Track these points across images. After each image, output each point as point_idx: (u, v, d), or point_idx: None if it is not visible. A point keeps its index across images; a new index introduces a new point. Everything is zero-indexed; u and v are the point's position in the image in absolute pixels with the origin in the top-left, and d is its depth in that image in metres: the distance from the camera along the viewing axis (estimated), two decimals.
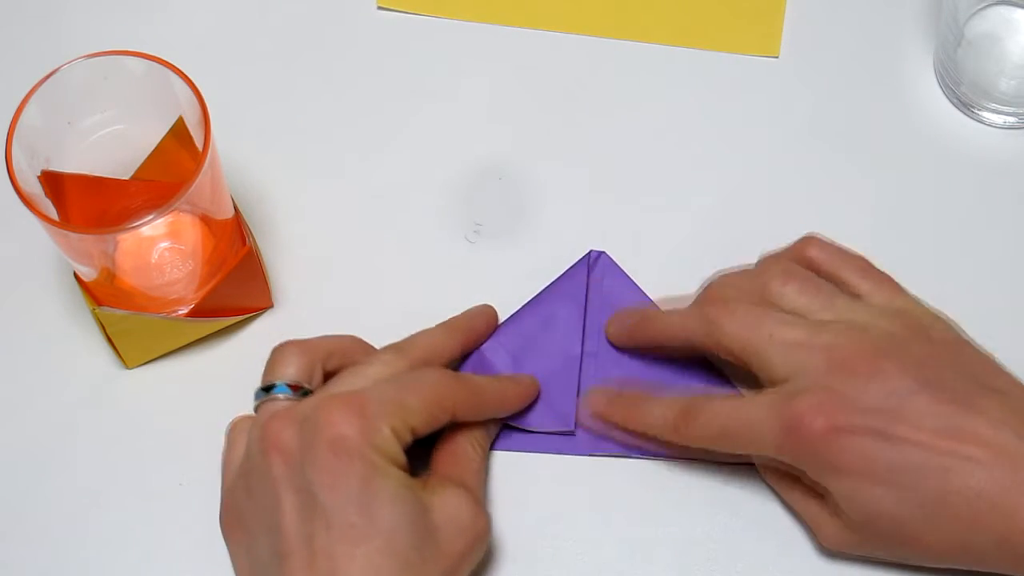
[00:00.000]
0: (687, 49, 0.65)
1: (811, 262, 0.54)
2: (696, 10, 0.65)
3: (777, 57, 0.64)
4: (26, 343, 0.58)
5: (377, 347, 0.54)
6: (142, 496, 0.55)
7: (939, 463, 0.48)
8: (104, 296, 0.55)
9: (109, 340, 0.56)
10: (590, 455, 0.55)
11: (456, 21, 0.65)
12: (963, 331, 0.53)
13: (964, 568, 0.50)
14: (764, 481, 0.54)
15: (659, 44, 0.65)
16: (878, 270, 0.54)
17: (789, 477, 0.52)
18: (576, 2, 0.66)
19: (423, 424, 0.49)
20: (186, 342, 0.58)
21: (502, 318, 0.57)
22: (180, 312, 0.55)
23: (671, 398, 0.53)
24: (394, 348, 0.53)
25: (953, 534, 0.48)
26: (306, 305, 0.59)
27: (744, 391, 0.55)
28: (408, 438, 0.48)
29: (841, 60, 0.64)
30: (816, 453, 0.49)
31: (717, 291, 0.55)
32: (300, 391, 0.50)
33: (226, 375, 0.57)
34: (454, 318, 0.56)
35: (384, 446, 0.47)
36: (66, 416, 0.57)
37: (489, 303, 0.57)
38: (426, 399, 0.49)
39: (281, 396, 0.50)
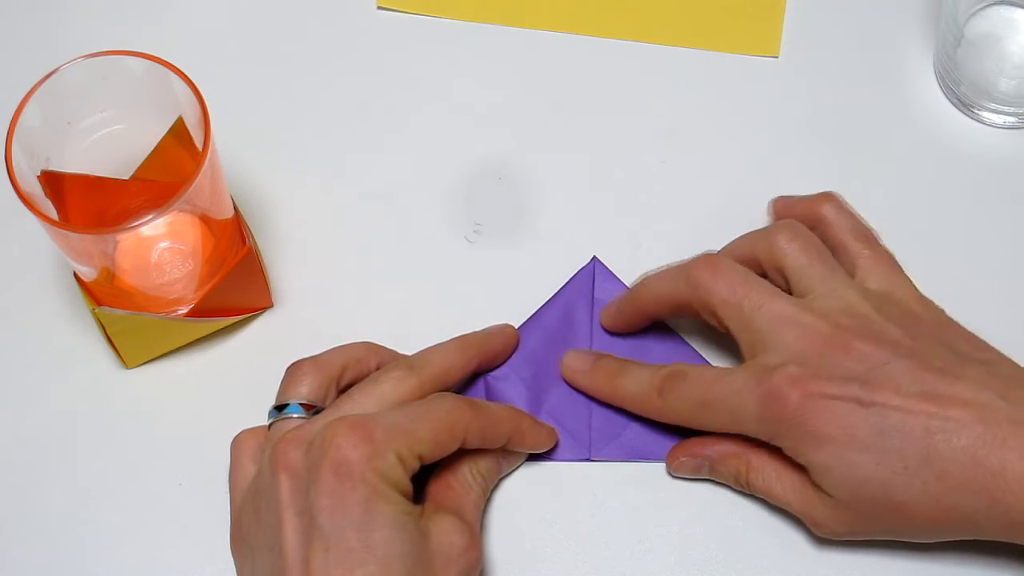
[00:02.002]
0: (687, 49, 0.65)
1: (821, 218, 0.55)
2: (696, 10, 0.65)
3: (777, 57, 0.64)
4: (26, 343, 0.58)
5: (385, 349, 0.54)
6: (142, 496, 0.55)
7: (920, 424, 0.48)
8: (104, 296, 0.55)
9: (109, 340, 0.56)
10: (590, 460, 0.55)
11: (456, 21, 0.65)
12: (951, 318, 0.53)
13: (961, 537, 0.49)
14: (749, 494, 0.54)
15: (659, 44, 0.65)
16: (882, 246, 0.55)
17: (771, 472, 0.52)
18: (576, 2, 0.66)
19: (431, 452, 0.49)
20: (186, 342, 0.58)
21: (503, 319, 0.57)
22: (180, 312, 0.55)
23: (656, 365, 0.54)
24: (405, 364, 0.52)
25: (941, 497, 0.48)
26: (306, 305, 0.59)
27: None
28: (415, 465, 0.48)
29: (841, 60, 0.64)
30: (793, 423, 0.49)
31: (725, 251, 0.56)
32: (313, 410, 0.50)
33: (226, 375, 0.57)
34: (470, 335, 0.55)
35: (388, 472, 0.47)
36: (66, 416, 0.57)
37: (500, 314, 0.57)
38: (436, 427, 0.49)
39: (294, 416, 0.50)
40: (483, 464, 0.52)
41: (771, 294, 0.52)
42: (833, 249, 0.55)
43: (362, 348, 0.53)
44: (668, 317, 0.56)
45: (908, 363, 0.49)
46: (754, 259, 0.54)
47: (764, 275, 0.54)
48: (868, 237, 0.55)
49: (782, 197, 0.58)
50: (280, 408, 0.51)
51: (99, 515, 0.55)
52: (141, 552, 0.54)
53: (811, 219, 0.56)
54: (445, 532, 0.48)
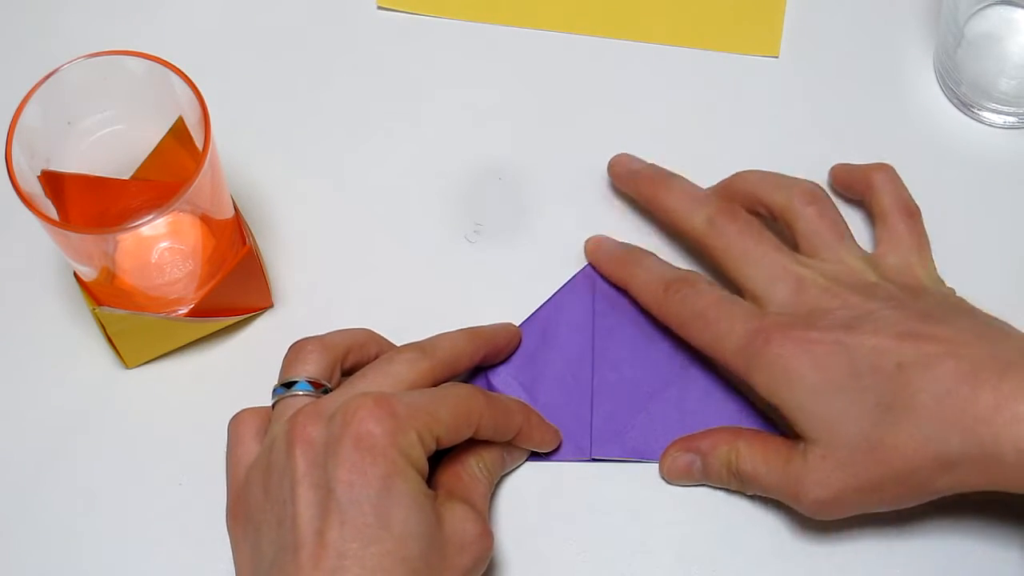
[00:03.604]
0: (687, 49, 0.65)
1: (872, 185, 0.57)
2: (696, 10, 0.65)
3: (777, 57, 0.64)
4: (26, 343, 0.58)
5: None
6: (142, 496, 0.55)
7: (892, 361, 0.48)
8: (104, 296, 0.55)
9: (109, 340, 0.56)
10: (592, 460, 0.55)
11: (456, 21, 0.65)
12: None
13: (942, 487, 0.49)
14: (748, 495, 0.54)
15: (659, 44, 0.65)
16: (921, 225, 0.56)
17: (758, 455, 0.52)
18: (576, 2, 0.66)
19: (448, 435, 0.49)
20: (186, 342, 0.58)
21: (503, 319, 0.57)
22: (180, 312, 0.55)
23: (673, 266, 0.56)
24: (417, 347, 0.52)
25: (915, 431, 0.48)
26: (306, 305, 0.59)
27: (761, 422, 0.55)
28: (432, 447, 0.48)
29: (841, 60, 0.64)
30: (769, 360, 0.50)
31: (744, 184, 0.57)
32: (321, 389, 0.50)
33: (226, 375, 0.57)
34: (477, 327, 0.55)
35: (409, 450, 0.47)
36: (66, 416, 0.57)
37: (500, 314, 0.57)
38: (455, 412, 0.49)
39: (301, 392, 0.50)
40: (488, 457, 0.52)
41: (776, 246, 0.53)
42: (874, 217, 0.57)
43: (364, 334, 0.53)
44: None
45: (893, 312, 0.50)
46: (766, 205, 0.56)
47: (773, 219, 0.56)
48: (911, 213, 0.56)
49: (841, 163, 0.60)
50: (288, 385, 0.50)
51: (99, 515, 0.55)
52: (141, 552, 0.54)
53: (862, 184, 0.58)
54: (459, 519, 0.48)
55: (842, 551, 0.53)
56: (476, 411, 0.50)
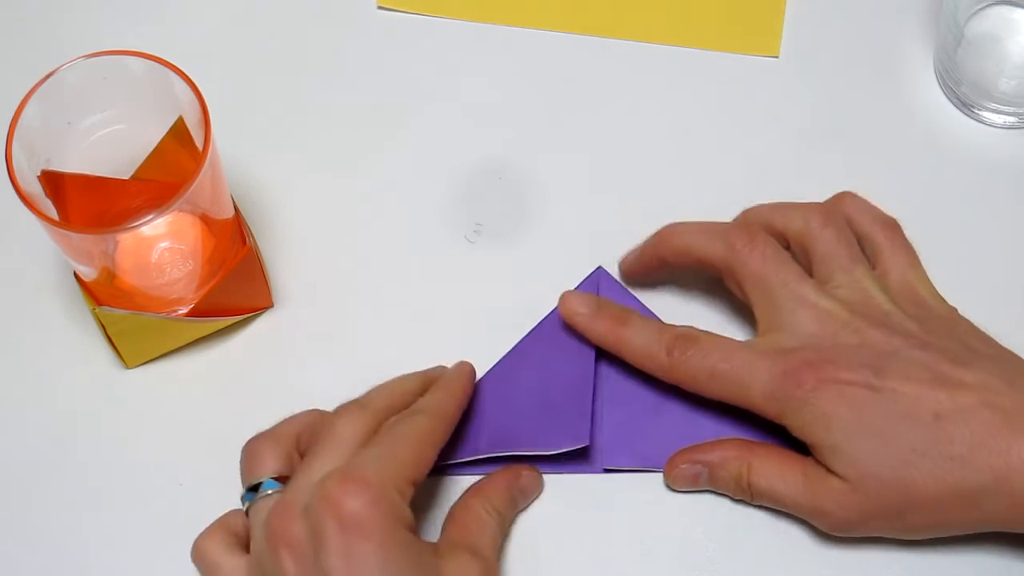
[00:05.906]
0: (687, 49, 0.65)
1: (846, 214, 0.56)
2: (696, 10, 0.65)
3: (777, 57, 0.64)
4: (26, 343, 0.58)
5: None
6: (142, 496, 0.55)
7: (928, 410, 0.49)
8: (104, 296, 0.55)
9: (109, 340, 0.56)
10: (604, 471, 0.55)
11: (456, 21, 0.65)
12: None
13: (963, 526, 0.50)
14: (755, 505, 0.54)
15: (659, 44, 0.65)
16: (904, 237, 0.56)
17: (774, 470, 0.52)
18: (576, 2, 0.66)
19: (420, 473, 0.48)
20: (186, 342, 0.58)
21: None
22: (180, 312, 0.55)
23: (664, 323, 0.55)
24: (353, 404, 0.50)
25: (947, 475, 0.48)
26: (306, 305, 0.59)
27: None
28: (411, 492, 0.47)
29: (841, 60, 0.64)
30: (803, 404, 0.50)
31: (757, 216, 0.56)
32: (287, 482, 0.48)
33: (226, 375, 0.57)
34: (427, 370, 0.54)
35: (393, 511, 0.45)
36: (66, 416, 0.57)
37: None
38: (413, 447, 0.48)
39: (271, 491, 0.48)
40: (497, 500, 0.52)
41: (798, 275, 0.53)
42: (858, 238, 0.56)
43: (309, 415, 0.52)
44: (684, 268, 0.56)
45: (920, 353, 0.50)
46: (781, 233, 0.55)
47: (787, 247, 0.55)
48: (893, 227, 0.56)
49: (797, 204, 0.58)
50: (254, 488, 0.49)
51: (99, 515, 0.55)
52: (141, 552, 0.54)
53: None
54: (460, 569, 0.47)
55: (843, 556, 0.53)
56: (429, 435, 0.49)
